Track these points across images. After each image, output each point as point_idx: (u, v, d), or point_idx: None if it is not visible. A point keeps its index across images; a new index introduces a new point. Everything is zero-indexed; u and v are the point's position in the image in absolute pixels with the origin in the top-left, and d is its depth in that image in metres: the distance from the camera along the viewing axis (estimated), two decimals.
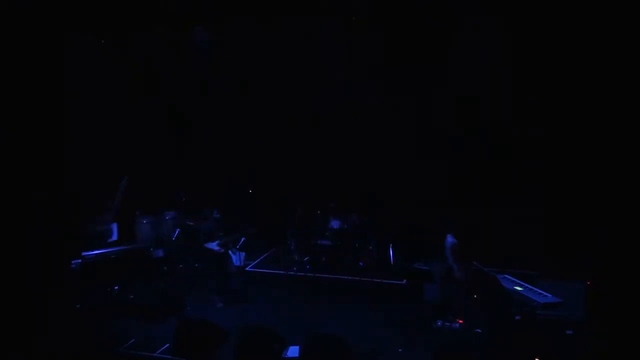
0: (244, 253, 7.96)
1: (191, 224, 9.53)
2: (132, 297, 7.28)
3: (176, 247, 9.34)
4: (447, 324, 6.05)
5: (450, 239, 6.15)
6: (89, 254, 7.78)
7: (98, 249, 8.04)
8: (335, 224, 9.11)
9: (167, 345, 5.65)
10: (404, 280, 7.67)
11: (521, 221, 7.79)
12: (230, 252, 7.81)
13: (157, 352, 5.68)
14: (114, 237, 9.01)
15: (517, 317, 5.36)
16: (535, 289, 5.56)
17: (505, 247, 7.52)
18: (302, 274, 8.25)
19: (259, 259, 9.31)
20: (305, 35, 9.25)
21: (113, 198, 8.97)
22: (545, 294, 5.42)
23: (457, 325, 6.01)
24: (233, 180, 10.21)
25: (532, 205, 7.82)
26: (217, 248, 7.82)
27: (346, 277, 8.12)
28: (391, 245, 8.28)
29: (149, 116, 10.39)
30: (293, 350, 5.22)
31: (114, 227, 9.09)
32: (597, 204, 7.00)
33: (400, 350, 5.68)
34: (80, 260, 7.67)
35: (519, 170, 8.05)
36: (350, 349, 4.99)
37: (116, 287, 7.57)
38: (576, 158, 7.47)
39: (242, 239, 8.07)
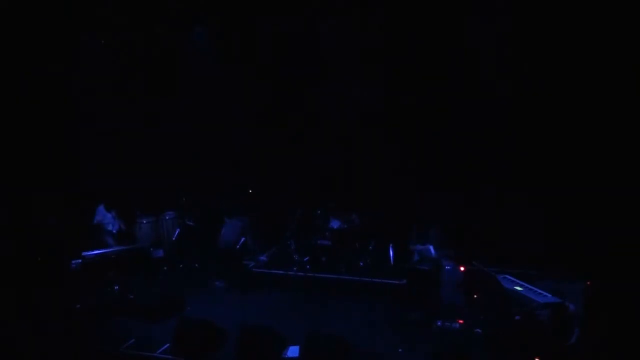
0: None
1: (191, 224, 9.53)
2: (132, 297, 7.28)
3: (176, 247, 9.35)
4: (447, 324, 6.05)
5: None
6: (89, 254, 7.79)
7: (97, 249, 8.07)
8: (335, 224, 9.09)
9: (167, 345, 5.65)
10: (404, 280, 7.65)
11: (521, 220, 7.78)
12: None
13: (157, 352, 5.68)
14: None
15: (517, 317, 5.36)
16: (535, 289, 5.56)
17: (504, 246, 7.52)
18: (302, 274, 8.23)
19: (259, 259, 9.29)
20: (305, 34, 9.25)
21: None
22: (545, 294, 5.42)
23: (457, 325, 6.01)
24: (233, 180, 10.20)
25: (532, 205, 7.82)
26: None
27: (346, 277, 8.10)
28: (391, 245, 8.28)
29: (148, 116, 10.38)
30: (293, 350, 5.22)
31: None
32: (597, 203, 7.00)
33: (400, 350, 5.68)
34: (80, 260, 7.68)
35: (518, 169, 8.03)
36: (350, 349, 4.98)
37: (116, 287, 7.57)
38: (576, 157, 7.46)
39: None
